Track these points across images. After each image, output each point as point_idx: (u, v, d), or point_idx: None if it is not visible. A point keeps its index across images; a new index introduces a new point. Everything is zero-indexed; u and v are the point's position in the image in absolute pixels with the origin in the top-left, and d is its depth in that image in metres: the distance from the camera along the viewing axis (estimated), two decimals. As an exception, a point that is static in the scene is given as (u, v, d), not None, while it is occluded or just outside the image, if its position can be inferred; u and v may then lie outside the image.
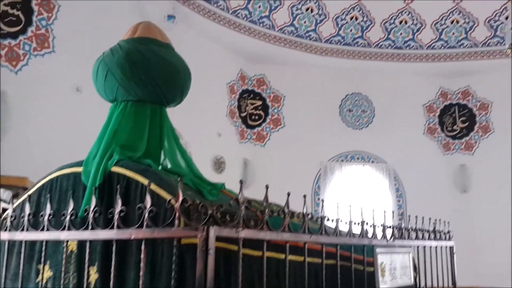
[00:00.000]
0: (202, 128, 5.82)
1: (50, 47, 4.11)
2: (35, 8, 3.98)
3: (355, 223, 1.92)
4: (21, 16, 3.83)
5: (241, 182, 1.39)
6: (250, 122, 6.86)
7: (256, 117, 6.90)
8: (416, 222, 2.55)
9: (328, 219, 1.88)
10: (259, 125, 6.90)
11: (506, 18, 6.24)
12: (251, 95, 6.89)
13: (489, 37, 6.52)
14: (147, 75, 1.88)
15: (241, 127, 6.77)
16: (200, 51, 5.88)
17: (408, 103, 7.07)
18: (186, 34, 5.64)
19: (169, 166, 1.92)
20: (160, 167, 1.90)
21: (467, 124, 7.09)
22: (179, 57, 2.05)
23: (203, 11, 5.57)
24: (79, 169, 1.77)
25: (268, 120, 6.93)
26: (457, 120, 7.14)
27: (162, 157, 1.96)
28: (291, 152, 6.64)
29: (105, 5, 4.72)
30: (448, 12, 6.45)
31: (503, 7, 6.24)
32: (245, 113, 6.84)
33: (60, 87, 4.13)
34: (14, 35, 3.80)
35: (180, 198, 1.30)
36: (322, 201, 1.97)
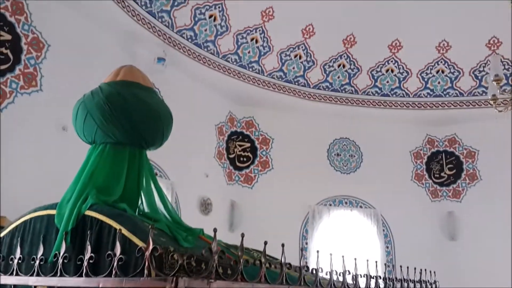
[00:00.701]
0: (189, 169, 5.78)
1: (38, 86, 4.12)
2: (24, 47, 4.01)
3: (345, 273, 1.88)
4: (10, 55, 3.85)
5: (214, 230, 1.35)
6: (238, 164, 6.84)
7: (245, 159, 6.89)
8: (401, 272, 2.50)
9: (321, 271, 1.84)
10: (247, 167, 6.88)
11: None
12: (240, 137, 6.91)
13: (474, 86, 6.67)
14: (126, 118, 1.87)
15: (229, 168, 6.74)
16: (189, 93, 5.94)
17: (396, 149, 7.12)
18: (176, 76, 5.71)
19: (146, 210, 1.88)
20: (137, 212, 1.86)
21: (454, 171, 7.13)
22: (160, 101, 2.05)
23: (193, 55, 5.66)
24: (53, 211, 1.72)
25: (256, 162, 6.92)
26: (445, 167, 7.18)
27: (140, 201, 1.92)
28: (279, 195, 6.59)
29: (96, 46, 4.79)
30: (434, 62, 6.63)
31: (487, 58, 6.42)
32: (234, 155, 6.83)
33: (46, 126, 4.11)
34: (1, 73, 3.81)
35: (151, 246, 1.25)
36: (317, 251, 1.91)
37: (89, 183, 1.78)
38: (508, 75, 6.15)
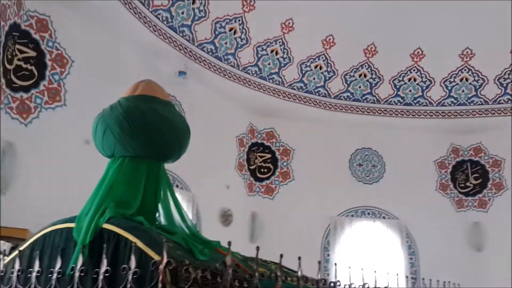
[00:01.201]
0: (210, 180, 5.81)
1: (62, 101, 4.23)
2: (49, 63, 4.13)
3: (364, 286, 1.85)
4: (34, 71, 3.97)
5: (229, 243, 1.35)
6: (259, 175, 6.84)
7: (265, 170, 6.88)
8: (424, 284, 2.46)
9: (339, 285, 1.81)
10: (268, 178, 6.87)
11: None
12: (260, 148, 6.91)
13: (499, 94, 6.53)
14: (145, 132, 1.90)
15: (249, 180, 6.74)
16: (210, 105, 5.99)
17: (419, 158, 7.00)
18: (197, 89, 5.78)
19: (164, 223, 1.90)
20: (154, 225, 1.88)
21: (480, 181, 6.97)
22: (178, 115, 2.08)
23: (214, 68, 5.72)
24: (72, 224, 1.75)
25: (277, 173, 6.91)
26: (470, 177, 7.02)
27: (157, 214, 1.94)
28: (300, 206, 6.55)
29: (118, 61, 4.89)
30: (457, 70, 6.52)
31: (511, 66, 6.29)
32: (254, 166, 6.83)
33: (69, 140, 4.20)
34: (26, 89, 3.93)
35: (165, 260, 1.26)
36: (335, 264, 1.90)
37: (107, 197, 1.82)
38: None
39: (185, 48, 5.41)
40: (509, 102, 6.42)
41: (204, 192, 5.66)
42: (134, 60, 5.05)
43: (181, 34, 5.34)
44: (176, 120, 2.03)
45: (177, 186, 5.27)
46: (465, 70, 6.52)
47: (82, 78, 4.43)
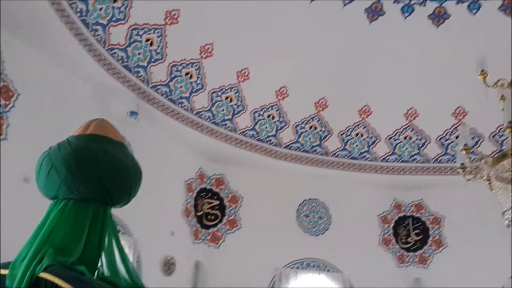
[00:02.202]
0: (154, 226, 5.60)
1: (3, 134, 3.99)
2: (-8, 94, 3.93)
3: None
4: (-25, 102, 3.76)
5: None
6: (205, 222, 6.69)
7: (212, 217, 6.75)
8: None
9: None
10: (215, 225, 6.73)
11: (457, 137, 6.64)
12: (209, 194, 6.81)
13: (440, 154, 6.85)
14: (94, 174, 1.78)
15: (195, 226, 6.57)
16: (160, 148, 5.87)
17: (364, 212, 7.13)
18: (148, 130, 5.66)
19: (106, 273, 1.76)
20: (96, 274, 1.74)
21: (421, 237, 7.16)
22: (131, 157, 1.98)
23: (166, 110, 5.66)
24: (5, 271, 1.58)
25: (224, 221, 6.79)
26: (411, 233, 7.21)
27: (100, 263, 1.80)
28: (245, 256, 6.42)
29: (68, 97, 4.73)
30: (402, 128, 6.81)
31: (453, 127, 6.66)
32: (201, 213, 6.69)
33: (7, 176, 3.93)
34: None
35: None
36: None
37: (46, 242, 1.66)
38: (474, 144, 6.37)
39: (139, 88, 5.34)
40: (449, 162, 6.75)
41: (147, 238, 5.43)
42: (85, 97, 4.91)
43: (135, 75, 5.27)
44: (128, 162, 1.92)
45: (118, 230, 5.02)
46: (409, 128, 6.83)
47: (27, 113, 4.22)
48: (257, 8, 5.44)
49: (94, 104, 4.90)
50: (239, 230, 6.75)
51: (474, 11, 5.59)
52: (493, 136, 6.52)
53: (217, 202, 6.82)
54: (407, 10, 5.69)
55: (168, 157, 6.00)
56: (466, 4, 5.56)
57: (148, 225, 5.44)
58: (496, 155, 3.65)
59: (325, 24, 5.79)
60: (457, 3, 5.56)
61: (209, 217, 6.73)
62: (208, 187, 6.82)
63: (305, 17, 5.68)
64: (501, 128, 6.22)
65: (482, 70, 3.61)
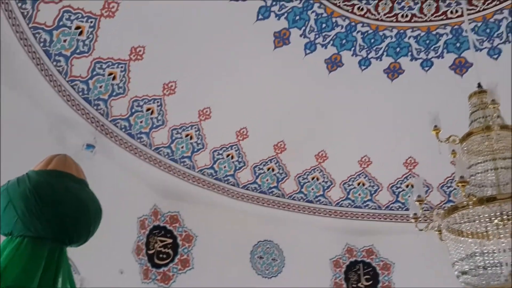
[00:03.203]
0: (102, 263, 5.37)
1: (-50, 161, 3.80)
2: None
3: None
4: None
5: None
6: (156, 261, 6.50)
7: (164, 256, 6.58)
8: None
9: None
10: (166, 265, 6.56)
11: (407, 186, 6.90)
12: (162, 232, 6.66)
13: (391, 201, 7.08)
14: (53, 212, 1.74)
15: (146, 265, 6.37)
16: (115, 183, 5.73)
17: (317, 255, 7.18)
18: (104, 164, 5.54)
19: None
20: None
21: (370, 282, 7.26)
22: (92, 195, 1.94)
23: (125, 144, 5.58)
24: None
25: (176, 260, 6.63)
26: (362, 278, 7.30)
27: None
28: (196, 298, 6.27)
29: (23, 125, 4.58)
30: (356, 175, 7.02)
31: (404, 176, 6.93)
32: (153, 251, 6.51)
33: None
34: None
35: None
36: None
37: (-2, 280, 1.59)
38: (425, 194, 6.63)
39: (98, 121, 5.26)
40: (400, 209, 6.98)
41: (95, 276, 5.19)
42: (41, 127, 4.77)
43: (95, 107, 5.21)
44: (89, 202, 1.89)
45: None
46: (362, 175, 7.04)
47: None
48: (223, 51, 5.58)
49: (50, 135, 4.76)
50: (191, 270, 6.60)
51: (427, 68, 5.97)
52: (441, 187, 6.83)
53: (170, 241, 6.68)
54: (365, 63, 6.00)
55: (123, 193, 5.86)
56: (419, 61, 5.94)
57: (96, 262, 5.22)
58: (447, 208, 3.81)
59: (287, 71, 5.99)
60: (411, 59, 5.93)
61: (160, 255, 6.56)
62: (161, 224, 6.68)
63: (268, 63, 5.86)
64: (449, 180, 6.56)
65: (435, 126, 3.83)
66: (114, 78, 5.23)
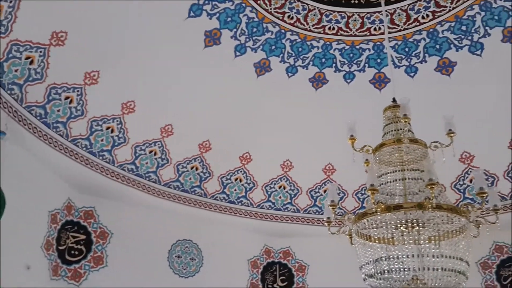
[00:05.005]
0: (9, 258, 5.03)
1: None
2: None
3: None
4: None
5: None
6: (67, 257, 6.20)
7: (76, 253, 6.29)
8: None
9: None
10: (78, 261, 6.27)
11: (325, 191, 7.17)
12: (75, 228, 6.36)
13: (309, 205, 7.32)
14: None
15: (56, 261, 6.05)
16: (27, 173, 5.40)
17: (235, 256, 7.26)
18: (16, 154, 5.20)
19: None
20: None
21: (286, 283, 7.45)
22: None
23: (39, 133, 5.27)
24: None
25: (89, 257, 6.37)
26: (277, 279, 7.47)
27: None
28: (109, 297, 6.06)
29: None
30: (277, 178, 7.19)
31: (322, 182, 7.19)
32: (64, 247, 6.20)
33: None
34: None
35: None
36: None
37: None
38: (339, 199, 6.93)
39: (10, 107, 4.93)
40: (317, 213, 7.24)
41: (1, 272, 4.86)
42: None
43: (9, 92, 4.87)
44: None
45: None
46: (284, 179, 7.22)
47: None
48: (151, 44, 5.47)
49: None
50: (105, 268, 6.37)
51: (349, 80, 6.25)
52: (356, 194, 7.18)
53: (83, 237, 6.40)
54: (292, 70, 6.17)
55: (34, 184, 5.53)
56: (342, 73, 6.21)
57: (3, 257, 4.88)
58: (357, 213, 4.00)
59: (216, 71, 6.00)
60: (335, 71, 6.18)
61: (72, 252, 6.27)
62: (75, 219, 6.38)
63: (198, 61, 5.83)
64: (363, 187, 6.90)
65: (351, 136, 4.02)
66: (32, 62, 4.94)
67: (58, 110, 5.42)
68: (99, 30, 5.11)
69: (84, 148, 5.80)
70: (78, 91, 5.50)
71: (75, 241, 6.33)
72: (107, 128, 5.96)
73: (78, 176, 6.00)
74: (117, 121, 5.99)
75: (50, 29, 4.90)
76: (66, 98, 5.44)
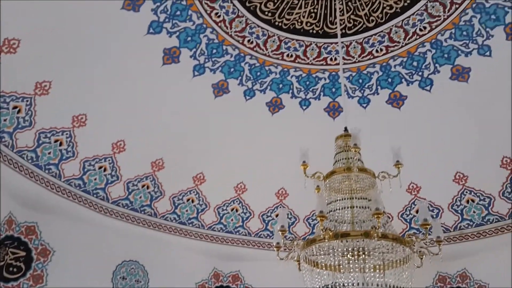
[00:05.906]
0: None
1: None
2: None
3: None
4: None
5: None
6: (5, 274, 5.86)
7: (15, 270, 5.96)
8: None
9: None
10: (16, 279, 5.93)
11: (276, 215, 7.18)
12: (15, 243, 6.04)
13: (261, 229, 7.29)
14: None
15: (-9, 279, 5.72)
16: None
17: (183, 279, 7.05)
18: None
19: None
20: None
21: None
22: None
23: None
24: None
25: (28, 275, 6.03)
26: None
27: None
28: (44, 318, 5.76)
29: None
30: (230, 200, 7.14)
31: (275, 205, 7.21)
32: (3, 263, 5.86)
33: None
34: None
35: None
36: None
37: None
38: (290, 224, 6.96)
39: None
40: (268, 237, 7.22)
41: None
42: None
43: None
44: None
45: None
46: (237, 201, 7.18)
47: None
48: (108, 58, 5.37)
49: None
50: (44, 287, 6.06)
51: (304, 107, 6.37)
52: (307, 219, 7.23)
53: (23, 253, 6.08)
54: (249, 94, 6.23)
55: (-28, 196, 5.25)
56: (298, 99, 6.32)
57: None
58: (306, 240, 4.02)
59: (173, 89, 5.96)
60: (292, 97, 6.29)
61: (11, 269, 5.94)
62: (16, 235, 6.06)
63: (155, 78, 5.78)
64: (314, 213, 6.97)
65: (304, 162, 4.07)
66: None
67: (5, 120, 5.20)
68: (53, 40, 4.98)
69: (30, 160, 5.57)
70: (27, 100, 5.31)
71: (14, 257, 6.01)
72: (56, 141, 5.75)
73: (22, 189, 5.73)
74: (67, 134, 5.80)
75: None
76: (14, 107, 5.23)
